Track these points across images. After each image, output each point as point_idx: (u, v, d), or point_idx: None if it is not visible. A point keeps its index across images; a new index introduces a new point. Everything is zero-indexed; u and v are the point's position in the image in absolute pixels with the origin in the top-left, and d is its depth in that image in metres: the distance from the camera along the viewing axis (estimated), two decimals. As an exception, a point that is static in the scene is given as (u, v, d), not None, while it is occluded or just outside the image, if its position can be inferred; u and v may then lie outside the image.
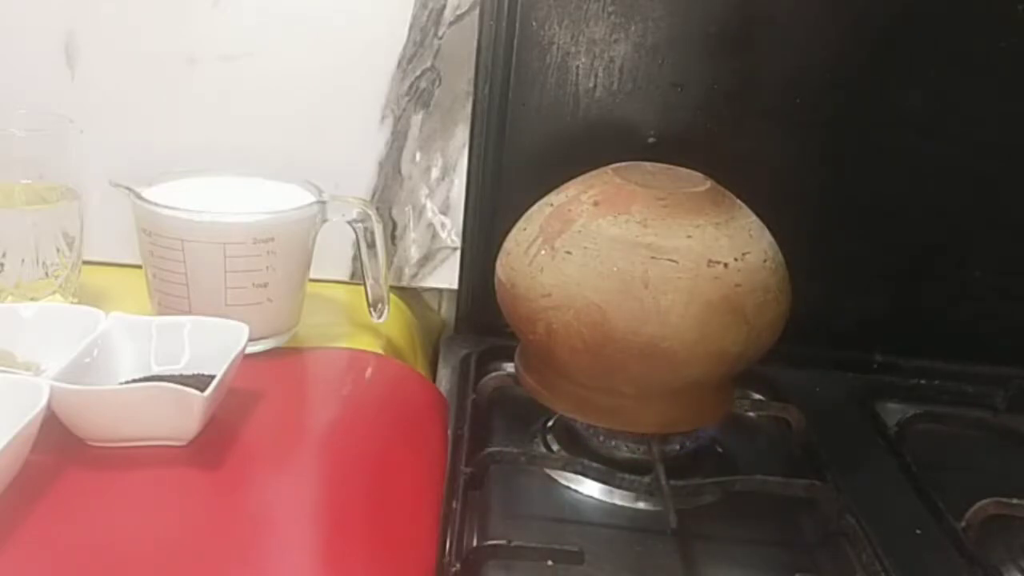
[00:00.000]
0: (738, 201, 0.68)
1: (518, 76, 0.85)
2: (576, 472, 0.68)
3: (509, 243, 0.71)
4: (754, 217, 0.68)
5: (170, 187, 0.74)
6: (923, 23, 0.83)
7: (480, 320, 0.91)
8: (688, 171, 0.70)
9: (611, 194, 0.66)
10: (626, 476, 0.67)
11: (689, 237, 0.64)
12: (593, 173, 0.70)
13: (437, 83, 0.86)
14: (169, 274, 0.72)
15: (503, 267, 0.70)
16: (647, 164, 0.71)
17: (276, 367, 0.74)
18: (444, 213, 0.90)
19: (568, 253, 0.65)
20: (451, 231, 0.90)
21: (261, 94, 0.86)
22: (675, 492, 0.64)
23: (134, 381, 0.65)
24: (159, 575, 0.51)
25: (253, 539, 0.55)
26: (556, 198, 0.69)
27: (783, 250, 0.68)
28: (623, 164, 0.70)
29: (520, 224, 0.71)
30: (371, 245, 0.78)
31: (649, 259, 0.63)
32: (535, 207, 0.71)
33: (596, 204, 0.66)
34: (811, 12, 0.83)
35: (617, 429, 0.70)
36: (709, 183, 0.68)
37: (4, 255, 0.75)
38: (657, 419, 0.68)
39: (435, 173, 0.89)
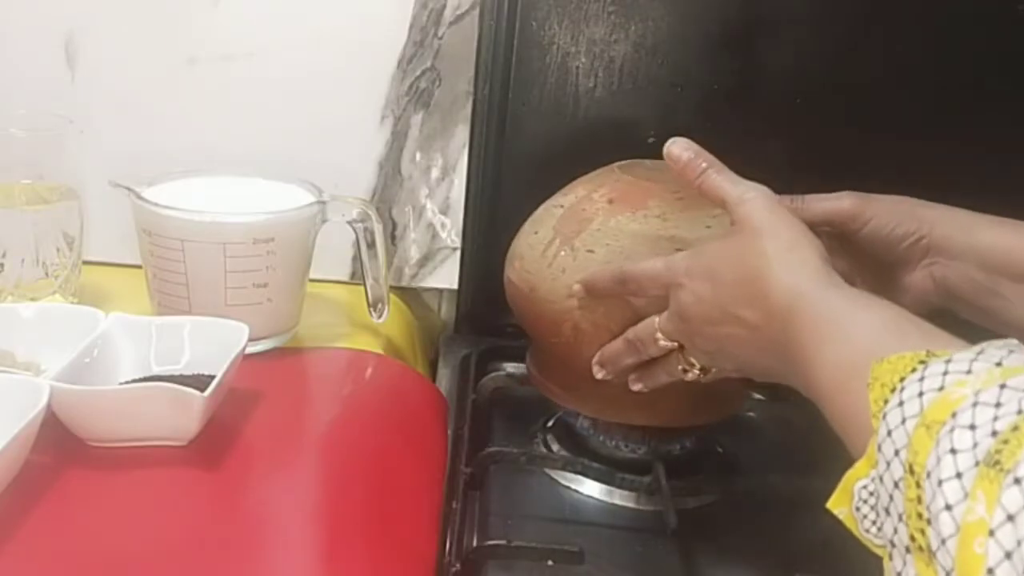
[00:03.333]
0: None
1: (518, 76, 0.85)
2: (576, 472, 0.68)
3: (520, 248, 0.69)
4: None
5: (170, 187, 0.75)
6: (923, 23, 0.83)
7: (480, 320, 0.91)
8: None
9: (624, 191, 0.66)
10: (626, 476, 0.67)
11: (708, 228, 0.63)
12: (598, 172, 0.69)
13: (437, 83, 0.86)
14: (169, 274, 0.72)
15: (517, 272, 0.69)
16: (647, 161, 0.70)
17: (276, 367, 0.74)
18: (444, 213, 0.90)
19: (590, 252, 0.64)
20: (451, 231, 0.90)
21: (261, 94, 0.86)
22: (675, 492, 0.64)
23: (134, 381, 0.65)
24: (159, 575, 0.51)
25: (253, 539, 0.55)
26: (565, 199, 0.69)
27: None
28: (626, 162, 0.70)
29: (528, 228, 0.70)
30: (371, 245, 0.77)
31: (674, 252, 0.62)
32: (541, 210, 0.70)
33: (611, 202, 0.66)
34: (811, 12, 0.83)
35: (654, 425, 0.69)
36: None
37: (4, 255, 0.75)
38: (689, 412, 0.67)
39: (435, 173, 0.89)
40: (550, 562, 0.59)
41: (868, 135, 0.86)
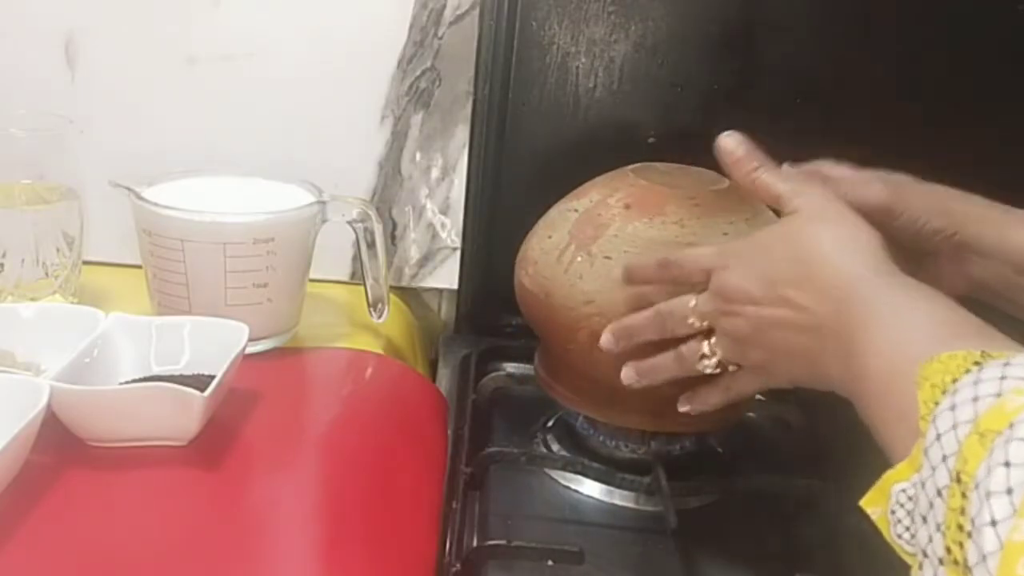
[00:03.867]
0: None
1: (518, 76, 0.85)
2: (576, 472, 0.68)
3: (533, 252, 0.69)
4: (771, 212, 0.68)
5: (170, 187, 0.75)
6: (923, 23, 0.83)
7: (480, 320, 0.91)
8: (698, 169, 0.69)
9: (640, 196, 0.66)
10: (626, 476, 0.67)
11: (725, 235, 0.63)
12: (611, 176, 0.69)
13: (437, 83, 0.86)
14: (169, 274, 0.72)
15: (531, 277, 0.68)
16: (659, 165, 0.70)
17: (276, 367, 0.74)
18: (444, 213, 0.90)
19: (607, 258, 0.64)
20: (451, 231, 0.90)
21: (261, 94, 0.86)
22: (675, 492, 0.64)
23: (134, 381, 0.65)
24: (159, 575, 0.51)
25: (253, 539, 0.55)
26: (579, 203, 0.68)
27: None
28: (639, 165, 0.69)
29: (542, 232, 0.69)
30: (371, 245, 0.77)
31: None
32: (555, 213, 0.69)
33: (627, 207, 0.65)
34: (811, 12, 0.83)
35: (667, 431, 0.69)
36: (726, 180, 0.67)
37: (4, 255, 0.75)
38: (699, 419, 0.65)
39: (435, 173, 0.89)
40: (550, 562, 0.59)
41: (868, 135, 0.85)
